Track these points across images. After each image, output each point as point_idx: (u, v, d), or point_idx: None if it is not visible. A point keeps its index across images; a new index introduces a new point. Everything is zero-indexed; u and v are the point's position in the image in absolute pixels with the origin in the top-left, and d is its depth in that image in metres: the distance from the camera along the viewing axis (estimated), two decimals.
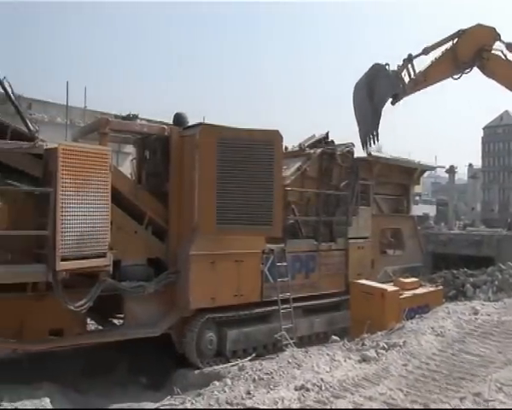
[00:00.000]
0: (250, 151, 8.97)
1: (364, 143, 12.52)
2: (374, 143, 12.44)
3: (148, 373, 9.39)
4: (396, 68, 12.60)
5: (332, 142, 12.72)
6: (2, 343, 8.02)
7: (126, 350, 9.53)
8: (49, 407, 7.22)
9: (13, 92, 8.07)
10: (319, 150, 12.02)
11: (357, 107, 12.91)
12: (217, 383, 7.03)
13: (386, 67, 12.42)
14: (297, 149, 12.37)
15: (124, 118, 9.46)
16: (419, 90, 12.84)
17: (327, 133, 13.02)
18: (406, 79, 12.71)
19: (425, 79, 12.85)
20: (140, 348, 9.37)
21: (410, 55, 12.51)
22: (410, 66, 12.58)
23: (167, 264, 9.18)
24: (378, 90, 12.27)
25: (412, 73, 12.64)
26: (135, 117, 9.44)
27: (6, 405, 6.90)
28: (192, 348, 9.07)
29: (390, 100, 12.61)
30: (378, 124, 12.35)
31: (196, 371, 8.97)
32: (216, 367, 9.02)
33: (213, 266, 9.12)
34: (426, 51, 12.78)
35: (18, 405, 6.97)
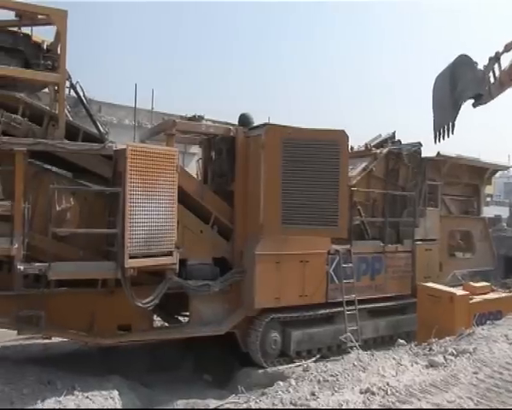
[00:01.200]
0: (315, 151, 8.89)
1: (437, 135, 12.03)
2: (448, 136, 11.91)
3: (213, 371, 9.51)
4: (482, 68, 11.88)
5: (399, 141, 12.45)
6: (74, 336, 8.36)
7: (191, 347, 9.70)
8: (117, 399, 7.43)
9: (84, 96, 8.34)
10: (385, 150, 11.80)
11: (436, 96, 12.37)
12: (281, 383, 7.01)
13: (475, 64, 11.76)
14: (363, 148, 12.18)
15: (189, 119, 9.59)
16: (504, 91, 12.14)
17: (393, 133, 12.76)
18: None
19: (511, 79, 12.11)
20: (205, 346, 9.50)
21: (496, 54, 11.64)
22: (496, 65, 11.79)
23: (232, 263, 9.25)
24: (462, 83, 11.64)
25: (497, 73, 11.88)
26: (200, 118, 9.54)
27: (77, 393, 7.16)
28: (256, 347, 9.10)
29: (472, 101, 11.99)
30: (456, 117, 11.77)
31: (260, 371, 8.99)
32: (280, 367, 9.02)
33: (278, 266, 9.11)
34: (507, 48, 11.95)
35: (88, 394, 7.20)
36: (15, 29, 8.07)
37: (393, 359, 7.06)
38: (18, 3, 7.81)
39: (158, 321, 10.29)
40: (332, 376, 6.59)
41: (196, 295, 8.81)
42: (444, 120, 11.80)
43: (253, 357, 9.19)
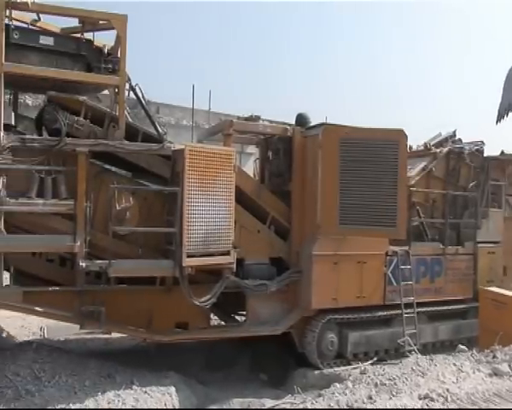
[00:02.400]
0: (374, 151, 8.75)
1: (501, 115, 11.58)
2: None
3: (268, 370, 9.52)
4: None
5: (460, 140, 12.10)
6: (133, 333, 8.54)
7: (247, 346, 9.73)
8: (174, 395, 7.55)
9: (143, 97, 8.49)
10: (446, 149, 11.49)
11: (508, 77, 11.97)
12: (337, 385, 6.96)
13: None
14: (422, 148, 11.91)
15: (246, 119, 9.64)
16: None
17: (454, 131, 12.41)
18: None
19: None
20: (261, 345, 9.52)
21: None
22: None
23: (289, 263, 9.23)
24: None
25: None
26: (257, 118, 9.57)
27: (136, 388, 7.35)
28: (312, 348, 9.04)
29: None
30: None
31: (316, 372, 8.93)
32: (336, 369, 8.93)
33: (336, 267, 9.03)
34: None
35: (147, 389, 7.37)
36: (78, 35, 8.33)
37: (454, 365, 6.87)
38: (81, 11, 8.07)
39: (215, 320, 10.40)
40: (390, 380, 6.48)
41: (253, 294, 8.84)
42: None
43: (310, 358, 9.14)
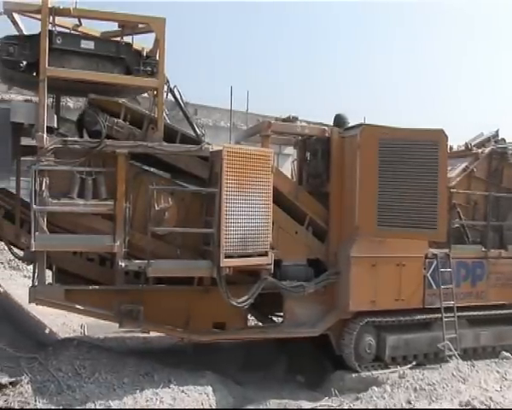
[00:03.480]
0: (413, 151, 8.62)
1: None
2: None
3: (305, 372, 9.47)
4: None
5: (503, 140, 11.78)
6: (171, 332, 8.62)
7: (285, 348, 9.71)
8: (211, 395, 7.59)
9: (182, 99, 8.57)
10: (488, 149, 11.19)
11: None
12: (375, 388, 6.88)
13: None
14: (463, 148, 11.65)
15: (284, 120, 9.63)
16: None
17: (496, 131, 12.09)
18: None
19: None
20: (298, 347, 9.49)
21: None
22: None
23: (327, 265, 9.15)
24: None
25: None
26: (295, 119, 9.55)
27: (173, 386, 7.44)
28: (350, 350, 8.94)
29: None
30: None
31: (354, 375, 8.82)
32: (374, 372, 8.80)
33: (374, 269, 8.91)
34: None
35: (184, 388, 7.45)
36: (118, 38, 8.47)
37: (497, 372, 6.71)
38: (121, 15, 8.22)
39: (252, 320, 10.41)
40: (429, 385, 6.38)
41: (291, 295, 8.80)
42: None
43: (347, 360, 9.05)
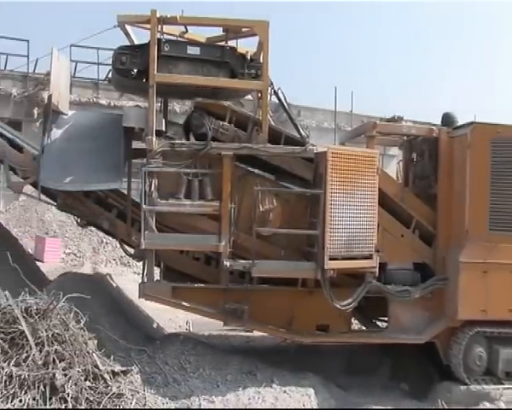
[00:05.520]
0: None
1: None
2: None
3: (410, 380, 9.16)
4: None
5: None
6: (274, 332, 8.69)
7: (389, 354, 9.45)
8: (313, 396, 7.55)
9: (286, 101, 8.61)
10: None
11: None
12: (487, 404, 6.54)
13: None
14: None
15: (388, 120, 9.43)
16: None
17: None
18: None
19: None
20: (403, 353, 9.20)
21: None
22: None
23: (434, 270, 8.78)
24: None
25: None
26: (400, 119, 9.32)
27: (275, 386, 7.48)
28: (458, 361, 8.49)
29: None
30: None
31: (463, 387, 8.35)
32: (486, 387, 8.29)
33: (485, 276, 8.41)
34: None
35: (286, 389, 7.48)
36: (222, 43, 8.65)
37: None
38: (225, 20, 8.41)
39: (355, 324, 10.25)
40: None
41: (396, 300, 8.54)
42: None
43: (455, 371, 8.61)
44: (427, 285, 8.59)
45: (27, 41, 22.37)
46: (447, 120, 9.34)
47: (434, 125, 9.32)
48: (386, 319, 9.12)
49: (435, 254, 8.85)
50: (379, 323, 9.92)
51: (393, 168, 11.65)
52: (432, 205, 8.96)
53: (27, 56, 22.05)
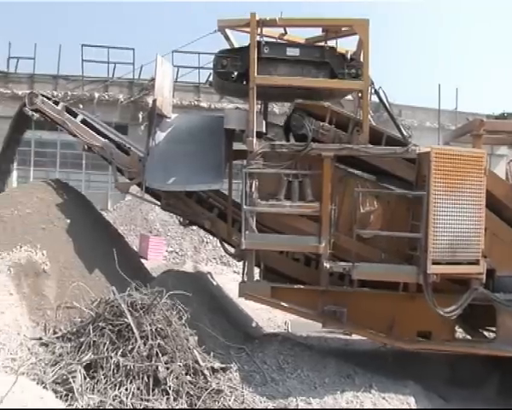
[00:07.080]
0: None
1: None
2: None
3: None
4: None
5: None
6: (373, 337, 8.47)
7: (498, 367, 8.91)
8: (413, 405, 7.34)
9: (387, 100, 8.43)
10: None
11: None
12: None
13: None
14: None
15: (496, 117, 8.97)
16: None
17: None
18: None
19: None
20: None
21: None
22: None
23: None
24: None
25: None
26: (510, 116, 8.83)
27: (374, 392, 7.36)
28: None
29: None
30: None
31: None
32: None
33: None
34: None
35: (385, 395, 7.33)
36: (322, 43, 8.62)
37: None
38: (324, 20, 8.49)
39: (459, 332, 9.80)
40: None
41: (506, 310, 8.04)
42: None
43: None
44: None
45: (133, 49, 23.61)
46: None
47: None
48: (494, 329, 8.64)
49: None
50: (486, 333, 9.42)
51: (503, 169, 11.07)
52: None
53: (133, 64, 23.32)
